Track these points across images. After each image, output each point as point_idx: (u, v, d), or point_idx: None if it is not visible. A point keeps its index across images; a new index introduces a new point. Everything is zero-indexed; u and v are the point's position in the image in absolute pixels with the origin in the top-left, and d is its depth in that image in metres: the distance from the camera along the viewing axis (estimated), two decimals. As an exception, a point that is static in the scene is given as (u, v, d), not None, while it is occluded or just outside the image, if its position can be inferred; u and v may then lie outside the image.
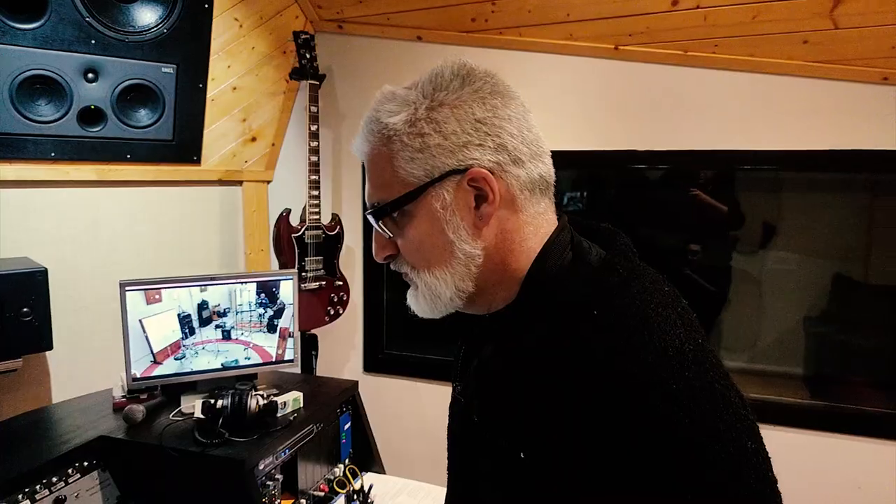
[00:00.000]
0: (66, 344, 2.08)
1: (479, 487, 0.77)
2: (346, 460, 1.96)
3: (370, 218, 0.75)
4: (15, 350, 1.79)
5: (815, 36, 1.88)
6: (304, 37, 2.35)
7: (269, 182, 2.82)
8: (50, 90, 1.99)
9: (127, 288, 1.69)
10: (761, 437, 0.63)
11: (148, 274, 2.17)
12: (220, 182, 2.61)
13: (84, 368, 2.13)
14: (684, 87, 2.18)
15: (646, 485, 0.57)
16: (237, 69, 2.44)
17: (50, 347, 1.86)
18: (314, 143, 2.41)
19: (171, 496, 1.58)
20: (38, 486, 1.39)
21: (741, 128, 2.14)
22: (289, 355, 1.93)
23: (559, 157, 0.77)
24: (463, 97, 0.70)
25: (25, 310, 1.79)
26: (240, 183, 2.70)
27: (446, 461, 0.88)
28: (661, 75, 2.19)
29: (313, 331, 2.56)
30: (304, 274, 2.39)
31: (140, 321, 1.71)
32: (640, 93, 2.24)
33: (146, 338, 1.73)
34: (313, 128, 2.40)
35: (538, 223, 0.74)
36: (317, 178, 2.42)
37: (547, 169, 0.75)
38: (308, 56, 2.36)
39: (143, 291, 1.70)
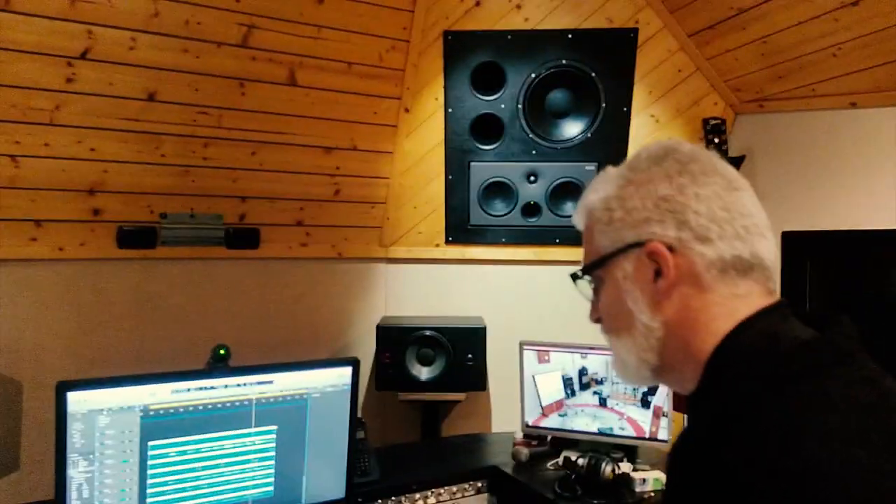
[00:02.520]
0: (504, 386, 2.60)
1: None
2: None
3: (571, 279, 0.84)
4: (460, 386, 2.40)
5: None
6: (713, 122, 2.38)
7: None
8: (502, 191, 2.63)
9: (525, 347, 2.06)
10: None
11: (568, 338, 2.52)
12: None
13: (514, 408, 2.62)
14: None
15: None
16: (653, 160, 2.64)
17: (484, 388, 2.40)
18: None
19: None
20: (441, 491, 1.83)
21: None
22: (662, 434, 1.93)
23: None
24: (651, 175, 0.74)
25: (469, 356, 2.39)
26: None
27: None
28: None
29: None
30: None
31: (533, 377, 2.05)
32: None
33: (537, 392, 2.05)
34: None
35: (734, 305, 0.69)
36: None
37: (750, 250, 0.70)
38: (717, 140, 2.37)
39: (536, 351, 2.05)
